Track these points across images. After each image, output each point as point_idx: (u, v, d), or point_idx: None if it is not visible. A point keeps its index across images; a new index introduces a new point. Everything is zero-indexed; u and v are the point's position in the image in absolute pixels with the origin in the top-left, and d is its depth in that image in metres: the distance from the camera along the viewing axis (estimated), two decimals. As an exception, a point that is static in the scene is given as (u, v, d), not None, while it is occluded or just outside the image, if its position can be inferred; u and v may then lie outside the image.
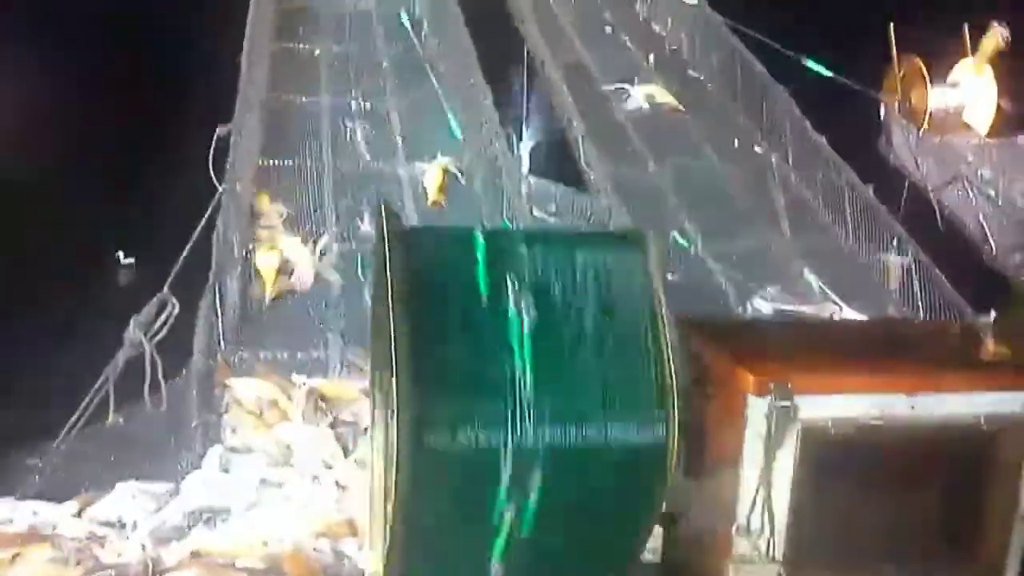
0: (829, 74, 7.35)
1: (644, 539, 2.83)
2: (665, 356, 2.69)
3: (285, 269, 5.27)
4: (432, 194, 6.02)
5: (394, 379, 2.48)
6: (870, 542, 3.00)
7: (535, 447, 2.57)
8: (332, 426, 4.18)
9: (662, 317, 2.72)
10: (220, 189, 5.28)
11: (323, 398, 4.29)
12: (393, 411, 2.47)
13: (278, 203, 5.76)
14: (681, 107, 7.59)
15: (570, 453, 2.61)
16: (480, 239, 2.75)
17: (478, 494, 2.58)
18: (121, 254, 6.11)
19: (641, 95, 7.61)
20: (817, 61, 7.42)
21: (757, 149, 7.05)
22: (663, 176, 6.77)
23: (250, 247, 5.33)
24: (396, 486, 2.46)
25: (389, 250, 2.59)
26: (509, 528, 2.59)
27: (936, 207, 6.41)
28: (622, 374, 2.69)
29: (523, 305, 2.65)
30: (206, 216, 5.11)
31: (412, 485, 2.48)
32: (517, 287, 2.67)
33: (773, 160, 6.82)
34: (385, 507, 2.64)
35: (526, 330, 2.62)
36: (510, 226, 5.52)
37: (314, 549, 3.49)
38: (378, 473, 2.93)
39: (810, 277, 5.66)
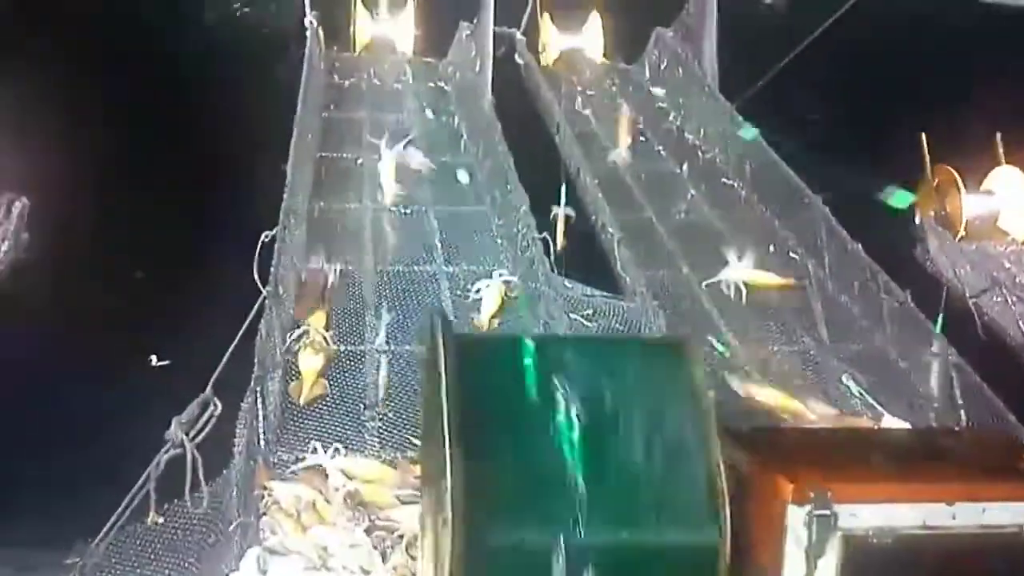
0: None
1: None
2: (713, 459, 2.73)
3: (324, 373, 5.33)
4: (484, 319, 5.93)
5: (447, 486, 2.53)
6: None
7: (587, 549, 2.60)
8: (368, 531, 4.16)
9: (710, 421, 2.77)
10: (264, 292, 5.38)
11: (361, 503, 4.29)
12: (445, 518, 2.50)
13: (324, 310, 5.85)
14: (791, 281, 6.72)
15: (622, 554, 2.64)
16: (530, 346, 2.83)
17: None
18: (154, 357, 6.21)
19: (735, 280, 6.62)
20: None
21: (793, 256, 7.09)
22: (698, 281, 6.82)
23: (293, 349, 5.41)
24: None
25: (444, 357, 2.67)
26: None
27: (975, 314, 6.40)
28: (672, 477, 2.75)
29: (573, 411, 2.70)
30: (249, 318, 5.22)
31: None
32: (567, 393, 2.73)
33: (810, 266, 6.86)
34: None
35: (577, 435, 2.68)
36: (549, 330, 5.57)
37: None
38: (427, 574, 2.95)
39: (849, 383, 5.64)
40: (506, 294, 6.10)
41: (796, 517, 2.89)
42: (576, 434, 2.72)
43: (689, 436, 2.81)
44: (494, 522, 2.62)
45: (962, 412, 5.22)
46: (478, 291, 6.10)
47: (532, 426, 2.77)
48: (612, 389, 2.84)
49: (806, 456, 3.21)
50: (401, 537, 4.12)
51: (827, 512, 2.87)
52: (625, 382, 2.88)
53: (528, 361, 2.84)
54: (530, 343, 2.89)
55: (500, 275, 6.21)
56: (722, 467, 2.74)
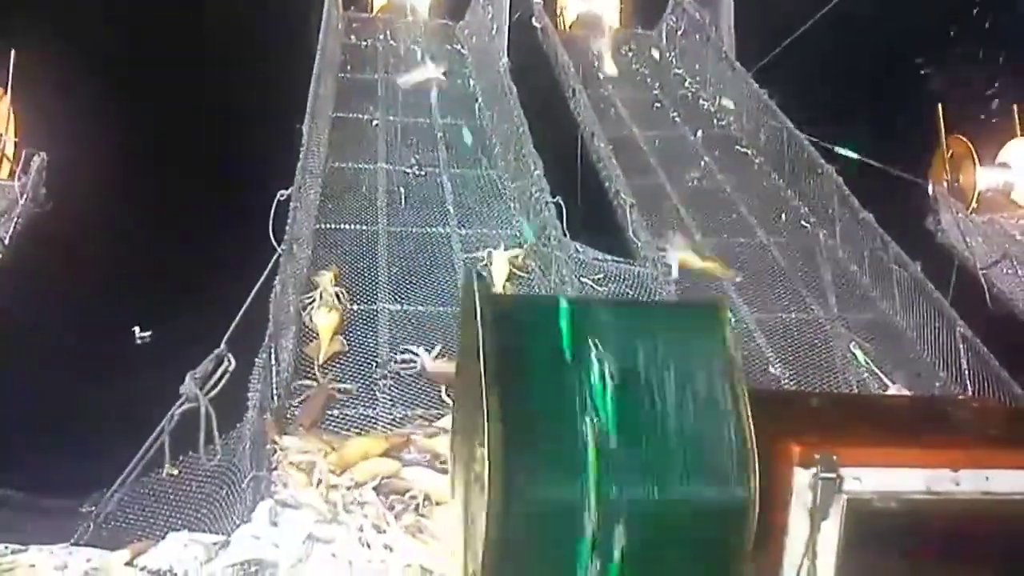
0: (855, 156, 7.38)
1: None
2: (744, 421, 2.76)
3: (340, 331, 5.37)
4: (499, 290, 5.88)
5: (486, 449, 2.57)
6: (915, 617, 3.00)
7: (618, 507, 2.65)
8: (378, 490, 4.19)
9: (740, 383, 2.80)
10: (279, 250, 5.42)
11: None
12: (481, 481, 2.55)
13: (332, 269, 5.88)
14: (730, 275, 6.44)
15: (652, 512, 2.68)
16: (566, 308, 2.86)
17: (563, 552, 2.66)
18: (137, 328, 6.27)
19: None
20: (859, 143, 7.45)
21: (804, 224, 7.10)
22: (709, 248, 6.84)
23: (307, 306, 5.45)
24: (484, 548, 2.53)
25: (481, 318, 2.70)
26: None
27: (984, 285, 6.41)
28: (703, 437, 2.78)
29: (607, 371, 2.74)
30: (264, 275, 5.26)
31: (500, 547, 2.55)
32: (601, 354, 2.76)
33: (821, 235, 6.86)
34: (470, 567, 2.72)
35: (610, 395, 2.72)
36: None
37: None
38: (460, 533, 3.00)
39: (856, 351, 5.67)
40: (514, 262, 6.12)
41: (802, 479, 2.92)
42: (609, 393, 2.75)
43: (720, 397, 2.84)
44: (528, 480, 2.66)
45: (968, 382, 5.25)
46: (484, 260, 6.13)
47: (566, 386, 2.80)
48: (645, 351, 2.87)
49: (813, 420, 3.25)
50: (413, 497, 4.16)
51: (832, 475, 2.90)
52: (658, 344, 2.91)
53: (563, 322, 2.87)
54: (566, 305, 2.92)
55: (505, 247, 6.23)
56: (752, 428, 2.77)
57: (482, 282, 2.93)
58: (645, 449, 2.74)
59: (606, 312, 2.99)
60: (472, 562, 2.78)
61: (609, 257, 6.10)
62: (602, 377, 2.77)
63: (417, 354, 5.11)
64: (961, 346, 5.41)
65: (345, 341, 5.29)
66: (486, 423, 2.62)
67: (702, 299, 3.18)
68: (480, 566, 2.62)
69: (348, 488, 4.15)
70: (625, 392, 2.77)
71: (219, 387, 4.50)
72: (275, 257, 5.39)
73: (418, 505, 4.13)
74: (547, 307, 2.95)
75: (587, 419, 2.73)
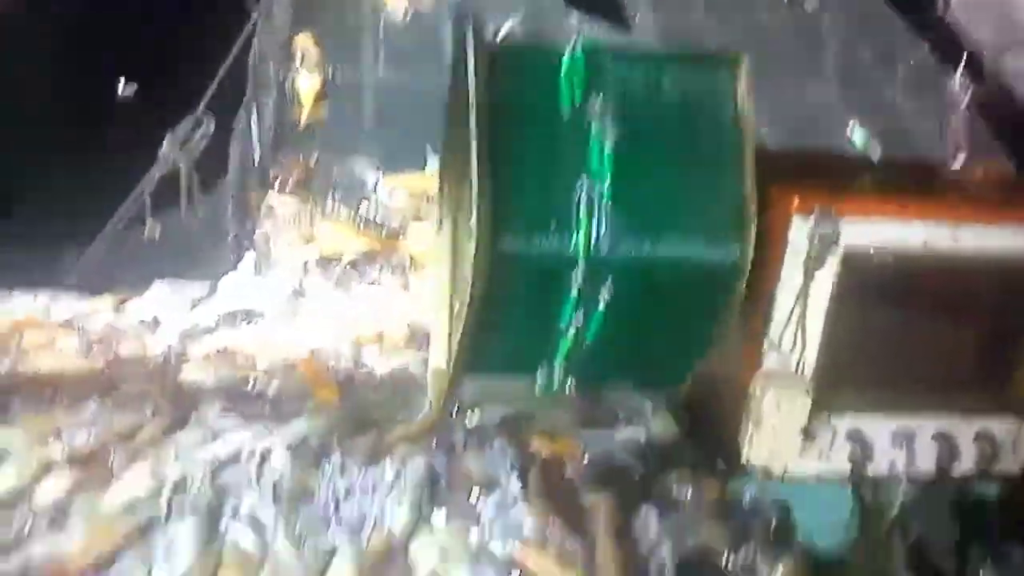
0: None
1: (706, 359, 2.82)
2: (746, 177, 2.66)
3: (323, 96, 5.23)
4: None
5: (473, 188, 2.47)
6: (902, 366, 3.03)
7: (608, 256, 2.59)
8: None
9: (748, 138, 2.69)
10: (256, 11, 5.22)
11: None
12: (467, 219, 2.49)
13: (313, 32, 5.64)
14: None
15: (643, 265, 2.62)
16: (564, 54, 2.71)
17: (549, 299, 2.61)
18: (123, 79, 6.03)
19: None
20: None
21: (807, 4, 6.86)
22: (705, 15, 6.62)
23: (288, 69, 5.28)
24: (471, 290, 2.47)
25: (473, 62, 2.56)
26: (576, 334, 2.63)
27: (993, 72, 6.24)
28: (702, 191, 2.68)
29: (605, 118, 2.62)
30: (242, 38, 5.07)
31: (487, 289, 2.50)
32: (600, 101, 2.64)
33: (825, 16, 6.64)
34: (455, 310, 2.69)
35: (607, 142, 2.61)
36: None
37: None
38: (443, 280, 2.96)
39: (856, 134, 5.56)
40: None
41: (799, 229, 2.86)
42: (607, 145, 2.65)
43: (726, 153, 2.73)
44: (516, 225, 2.59)
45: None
46: None
47: (562, 138, 2.69)
48: (650, 100, 2.71)
49: (813, 172, 3.16)
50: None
51: (829, 224, 2.85)
52: (665, 94, 2.76)
53: (562, 69, 2.73)
54: (565, 52, 2.77)
55: None
56: (754, 188, 2.69)
57: (475, 29, 2.75)
58: (639, 202, 2.66)
59: (610, 58, 2.82)
60: (457, 316, 2.76)
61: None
62: (601, 127, 2.66)
63: None
64: (962, 127, 5.29)
65: (326, 107, 5.16)
66: (474, 173, 2.52)
67: (718, 50, 3.01)
68: (465, 313, 2.58)
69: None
70: (623, 143, 2.66)
71: (199, 150, 4.41)
72: (253, 19, 5.19)
73: (404, 267, 4.13)
74: (544, 54, 2.81)
75: (581, 171, 2.64)
